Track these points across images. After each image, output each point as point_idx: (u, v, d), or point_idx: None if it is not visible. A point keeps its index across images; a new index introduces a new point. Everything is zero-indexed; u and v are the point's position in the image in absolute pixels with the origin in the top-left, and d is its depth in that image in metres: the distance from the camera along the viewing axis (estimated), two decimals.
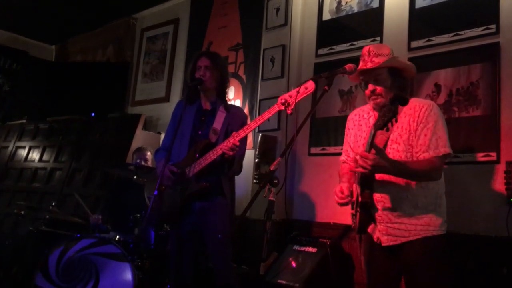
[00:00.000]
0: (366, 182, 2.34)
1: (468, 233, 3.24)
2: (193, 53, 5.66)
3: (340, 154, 4.04)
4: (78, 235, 3.50)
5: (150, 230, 3.83)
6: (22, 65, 7.70)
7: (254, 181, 4.26)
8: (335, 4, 4.49)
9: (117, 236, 3.63)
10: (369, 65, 2.44)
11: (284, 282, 3.58)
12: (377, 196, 2.39)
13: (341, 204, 2.46)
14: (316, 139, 4.36)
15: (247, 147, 3.44)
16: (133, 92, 6.67)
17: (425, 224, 2.34)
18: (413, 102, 2.45)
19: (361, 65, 2.48)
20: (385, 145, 2.30)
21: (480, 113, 3.37)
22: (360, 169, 2.22)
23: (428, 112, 2.35)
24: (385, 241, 2.39)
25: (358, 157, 2.22)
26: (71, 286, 3.32)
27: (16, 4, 6.68)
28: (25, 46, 7.89)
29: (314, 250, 3.71)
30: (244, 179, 4.35)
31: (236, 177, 3.49)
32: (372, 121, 2.51)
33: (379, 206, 2.39)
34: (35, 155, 6.43)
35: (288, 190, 4.32)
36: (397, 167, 2.27)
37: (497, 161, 3.28)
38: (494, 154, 3.29)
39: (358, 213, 2.41)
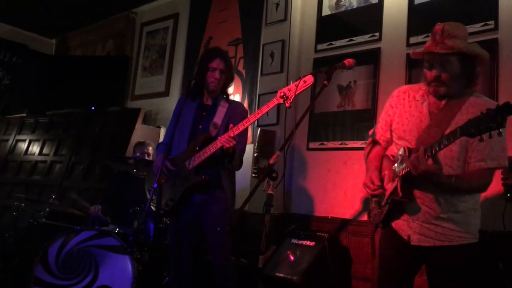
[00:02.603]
0: (410, 177, 2.14)
1: None
2: (194, 48, 5.76)
3: (338, 149, 4.17)
4: (78, 228, 3.52)
5: (150, 223, 3.85)
6: (22, 58, 7.72)
7: (253, 175, 4.29)
8: (334, 0, 4.50)
9: (117, 229, 3.66)
10: (439, 49, 2.12)
11: (282, 275, 3.61)
12: (417, 192, 2.21)
13: (374, 196, 2.35)
14: (314, 133, 4.38)
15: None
16: (133, 86, 6.68)
17: (463, 231, 2.19)
18: (478, 98, 2.20)
19: (429, 45, 2.19)
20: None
21: None
22: (411, 169, 2.05)
23: None
24: (416, 240, 2.23)
25: (413, 157, 2.04)
26: (71, 278, 3.34)
27: None
28: (25, 39, 7.90)
29: (312, 243, 3.74)
30: (243, 173, 4.36)
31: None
32: (426, 107, 2.26)
33: (418, 202, 2.22)
34: (35, 148, 6.45)
35: (286, 184, 4.35)
36: (448, 184, 2.10)
37: None
38: None
39: (388, 206, 2.28)
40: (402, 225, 2.30)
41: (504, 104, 1.74)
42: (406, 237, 2.27)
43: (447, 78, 2.15)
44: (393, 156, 2.35)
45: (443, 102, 2.24)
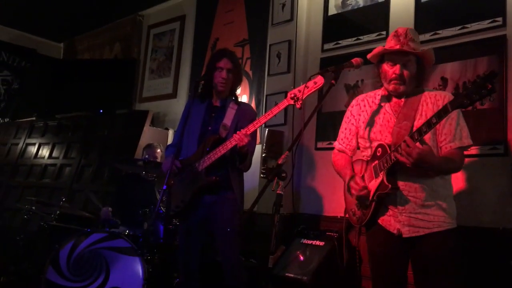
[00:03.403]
0: (393, 169, 2.29)
1: (474, 225, 3.24)
2: (201, 50, 5.77)
3: None
4: (89, 230, 3.54)
5: (159, 224, 3.87)
6: (31, 63, 7.79)
7: (262, 175, 4.29)
8: None
9: (127, 231, 3.67)
10: (406, 48, 2.34)
11: (292, 275, 3.61)
12: (401, 184, 2.32)
13: (358, 197, 2.42)
14: (322, 133, 4.37)
15: None
16: (141, 88, 6.71)
17: (448, 216, 2.33)
18: (432, 92, 2.44)
19: (394, 44, 2.38)
20: (411, 133, 2.21)
21: (487, 106, 3.34)
22: (403, 158, 2.15)
23: None
24: (407, 232, 2.32)
25: (403, 145, 2.14)
26: (82, 280, 3.37)
27: (24, 3, 6.75)
28: (34, 44, 7.98)
29: (322, 243, 3.74)
30: (252, 174, 4.36)
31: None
32: (389, 107, 2.45)
33: (404, 194, 2.32)
34: (44, 152, 6.51)
35: (295, 184, 4.34)
36: (439, 163, 2.26)
37: (504, 154, 3.28)
38: (501, 147, 3.30)
39: (373, 203, 2.36)
40: (389, 220, 2.38)
41: (490, 72, 1.99)
42: (395, 231, 2.35)
43: (408, 76, 2.38)
44: (368, 157, 2.47)
45: (403, 100, 2.45)
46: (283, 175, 2.48)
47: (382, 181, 2.30)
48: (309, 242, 3.82)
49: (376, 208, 2.38)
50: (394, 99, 2.47)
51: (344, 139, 2.67)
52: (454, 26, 3.66)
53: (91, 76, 6.67)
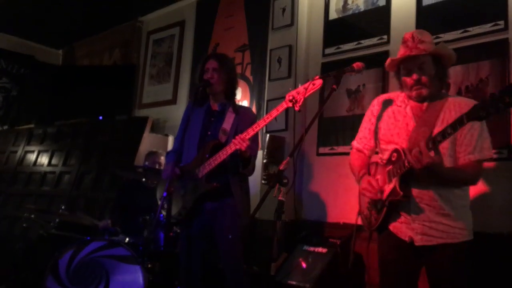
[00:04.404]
0: (407, 176, 2.23)
1: (480, 230, 3.19)
2: (200, 55, 5.75)
3: (348, 153, 4.06)
4: (88, 238, 3.50)
5: (160, 232, 3.83)
6: (30, 69, 7.78)
7: (263, 181, 4.26)
8: (341, 3, 4.48)
9: (127, 239, 3.64)
10: (415, 52, 2.29)
11: (294, 283, 3.57)
12: (414, 191, 2.27)
13: (373, 200, 2.37)
14: (324, 139, 4.34)
15: None
16: (140, 94, 6.69)
17: (463, 227, 2.28)
18: (457, 98, 2.36)
19: (404, 52, 2.33)
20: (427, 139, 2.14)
21: None
22: (412, 163, 2.10)
23: None
24: (419, 240, 2.27)
25: (415, 151, 2.09)
26: None
27: (22, 9, 6.74)
28: (32, 50, 7.97)
29: (324, 250, 3.69)
30: (253, 180, 4.32)
31: None
32: (409, 111, 2.37)
33: (417, 201, 2.27)
34: (44, 159, 6.48)
35: (297, 190, 4.31)
36: (450, 174, 2.22)
37: (508, 158, 3.25)
38: (505, 151, 3.26)
39: (385, 208, 2.31)
40: (401, 228, 2.33)
41: (509, 85, 1.94)
42: (407, 239, 2.30)
43: (427, 79, 2.30)
44: (383, 160, 2.40)
45: (425, 104, 2.36)
46: (285, 181, 2.45)
47: (395, 187, 2.24)
48: (312, 249, 3.77)
49: (388, 213, 2.33)
50: (416, 103, 2.39)
51: (362, 138, 2.60)
52: (456, 30, 3.64)
53: (91, 82, 6.65)
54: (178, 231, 3.58)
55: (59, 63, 8.38)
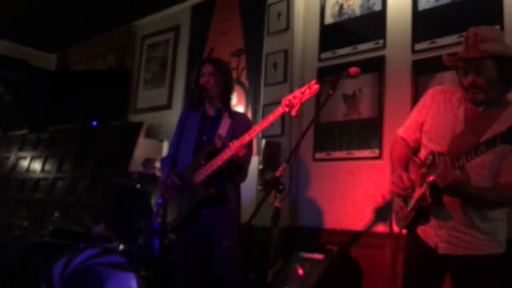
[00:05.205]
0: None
1: None
2: (196, 60, 5.73)
3: (345, 159, 4.10)
4: (82, 246, 3.46)
5: (155, 239, 3.79)
6: (23, 74, 7.69)
7: (259, 187, 4.23)
8: (337, 8, 4.46)
9: (121, 246, 3.59)
10: (472, 53, 2.04)
11: None
12: (445, 198, 2.13)
13: (400, 196, 2.27)
14: (320, 144, 4.31)
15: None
16: (135, 99, 6.64)
17: (492, 240, 2.12)
18: None
19: (462, 51, 2.10)
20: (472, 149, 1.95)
21: None
22: (437, 181, 1.99)
23: None
24: (443, 248, 2.16)
25: (442, 165, 1.99)
26: None
27: (16, 13, 6.69)
28: (25, 55, 7.89)
29: (321, 257, 3.65)
30: (249, 186, 4.30)
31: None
32: (462, 112, 2.17)
33: (447, 209, 2.15)
34: (37, 166, 6.39)
35: (293, 196, 4.28)
36: (480, 195, 2.06)
37: None
38: None
39: (414, 211, 2.21)
40: (429, 233, 2.23)
41: None
42: (433, 245, 2.20)
43: (484, 83, 2.05)
44: (420, 159, 2.27)
45: (481, 109, 2.15)
46: (281, 187, 2.43)
47: (425, 193, 2.12)
48: (309, 255, 3.73)
49: (417, 216, 2.23)
50: (471, 106, 2.17)
51: (408, 128, 2.41)
52: (452, 34, 3.62)
53: (85, 87, 6.60)
54: (173, 238, 3.54)
55: (53, 68, 8.32)
